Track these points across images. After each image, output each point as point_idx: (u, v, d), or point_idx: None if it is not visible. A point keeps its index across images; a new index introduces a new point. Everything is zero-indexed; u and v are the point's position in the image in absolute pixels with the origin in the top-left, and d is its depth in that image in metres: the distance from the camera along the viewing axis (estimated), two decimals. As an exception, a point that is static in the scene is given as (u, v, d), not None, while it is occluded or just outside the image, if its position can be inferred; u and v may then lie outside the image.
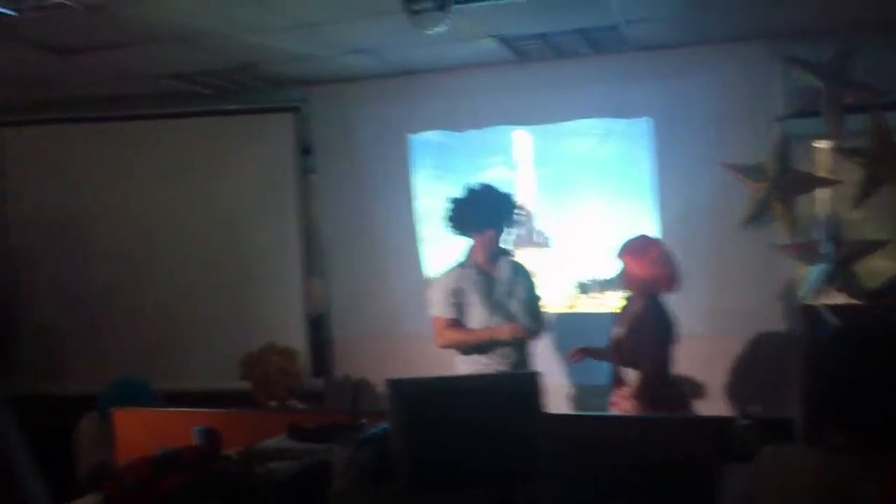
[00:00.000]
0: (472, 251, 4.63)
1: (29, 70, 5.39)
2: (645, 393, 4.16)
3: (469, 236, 4.62)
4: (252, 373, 4.27)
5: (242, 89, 6.04)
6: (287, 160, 6.01)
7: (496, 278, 4.60)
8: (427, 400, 2.50)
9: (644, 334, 4.23)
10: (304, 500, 2.26)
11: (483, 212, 4.54)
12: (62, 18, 4.32)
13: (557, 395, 5.23)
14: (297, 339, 5.77)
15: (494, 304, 4.56)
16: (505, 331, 4.48)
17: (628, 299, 4.48)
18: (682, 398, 4.40)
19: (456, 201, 4.60)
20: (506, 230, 4.63)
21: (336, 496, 2.19)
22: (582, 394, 5.47)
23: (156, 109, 6.17)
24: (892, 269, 5.34)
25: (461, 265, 4.63)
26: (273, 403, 4.24)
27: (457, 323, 4.55)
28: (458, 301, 4.53)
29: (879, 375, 1.79)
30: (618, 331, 4.41)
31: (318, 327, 6.04)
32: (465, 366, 4.55)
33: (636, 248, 4.40)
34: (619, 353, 4.36)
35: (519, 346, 4.57)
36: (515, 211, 4.63)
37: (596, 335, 5.32)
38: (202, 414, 3.04)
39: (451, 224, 4.62)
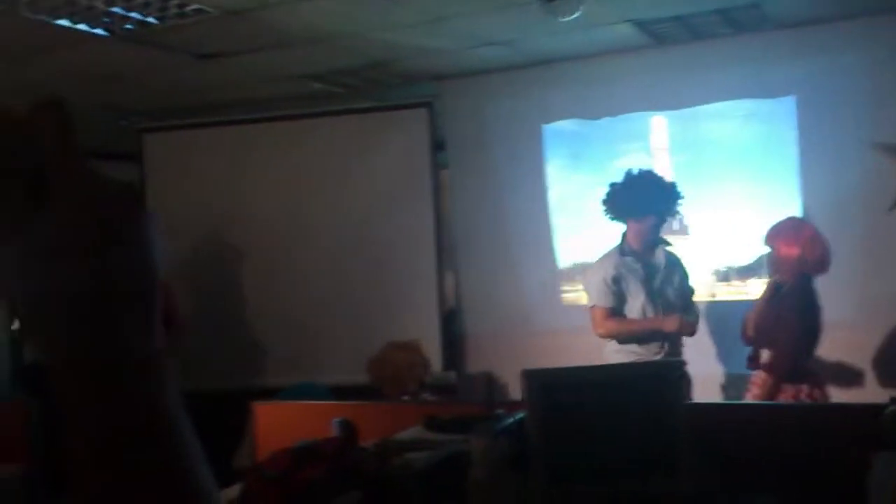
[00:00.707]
0: (627, 238, 4.54)
1: (171, 76, 5.63)
2: (776, 370, 4.07)
3: (626, 222, 4.53)
4: (380, 373, 4.33)
5: (376, 87, 6.14)
6: (421, 155, 6.05)
7: (655, 265, 4.52)
8: (564, 390, 2.49)
9: (787, 311, 4.16)
10: (443, 491, 2.28)
11: (644, 198, 4.45)
12: (202, 24, 4.49)
13: (706, 385, 5.11)
14: (431, 333, 5.83)
15: (654, 292, 4.48)
16: (670, 323, 4.39)
17: (776, 281, 4.35)
18: (817, 379, 4.23)
19: (616, 185, 4.54)
20: (666, 220, 4.56)
21: (474, 486, 2.19)
22: (733, 382, 5.32)
23: (292, 111, 6.33)
24: None
25: (618, 252, 4.53)
26: (405, 398, 4.29)
27: (615, 312, 4.47)
28: (617, 289, 4.45)
29: None
30: (759, 310, 4.32)
31: (451, 321, 6.07)
32: (618, 356, 4.48)
33: (788, 231, 4.31)
34: (757, 332, 4.28)
35: (674, 337, 4.48)
36: (678, 200, 4.53)
37: (737, 324, 5.17)
38: (338, 406, 3.11)
39: (609, 208, 4.55)
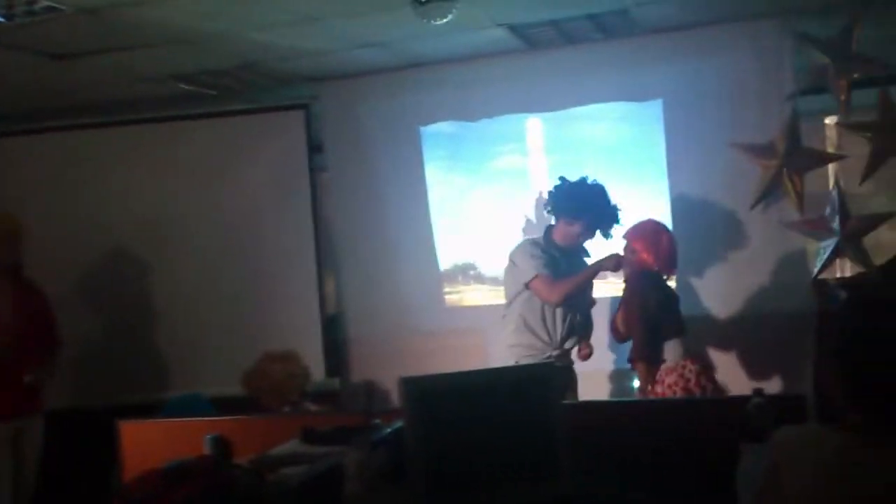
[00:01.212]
0: (552, 233, 4.71)
1: (27, 76, 5.38)
2: (639, 357, 4.30)
3: (557, 219, 4.69)
4: (258, 386, 4.25)
5: (249, 88, 6.02)
6: (298, 158, 5.97)
7: (573, 259, 4.71)
8: (441, 397, 2.47)
9: (629, 302, 4.46)
10: (319, 506, 2.26)
11: (580, 204, 4.59)
12: (54, 22, 4.31)
13: (595, 380, 5.24)
14: (312, 338, 5.78)
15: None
16: (608, 262, 4.56)
17: (626, 276, 4.61)
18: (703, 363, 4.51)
19: (563, 182, 4.67)
20: (591, 235, 4.70)
21: (349, 499, 2.17)
22: (618, 376, 5.47)
23: (161, 113, 6.15)
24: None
25: (542, 238, 4.73)
26: (286, 409, 4.22)
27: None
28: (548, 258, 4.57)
29: (891, 347, 1.73)
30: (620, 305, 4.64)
31: (332, 327, 6.00)
32: (516, 350, 4.65)
33: (636, 230, 4.61)
34: (616, 328, 4.63)
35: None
36: (611, 222, 4.68)
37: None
38: (212, 422, 3.03)
39: (552, 199, 4.69)
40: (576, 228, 4.61)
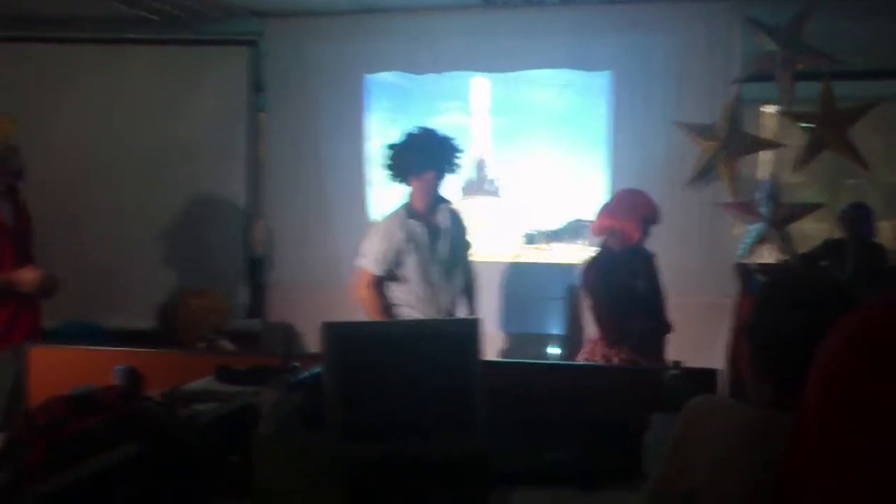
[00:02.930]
0: (411, 198, 4.42)
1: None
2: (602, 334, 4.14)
3: (408, 182, 4.41)
4: (174, 320, 4.17)
5: (194, 18, 5.86)
6: (239, 96, 5.83)
7: (438, 228, 4.44)
8: (363, 344, 2.45)
9: (591, 279, 4.21)
10: (229, 444, 2.22)
11: (422, 155, 4.35)
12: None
13: (500, 344, 5.26)
14: (237, 279, 5.70)
15: (435, 254, 4.41)
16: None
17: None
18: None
19: (395, 146, 4.42)
20: (446, 175, 4.45)
21: (261, 440, 2.15)
22: (522, 342, 5.49)
23: (102, 34, 5.94)
24: (824, 231, 5.51)
25: (402, 212, 4.42)
26: (202, 345, 4.15)
27: (385, 276, 4.37)
28: (392, 254, 4.35)
29: (805, 327, 1.77)
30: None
31: (259, 269, 5.93)
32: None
33: (609, 203, 4.35)
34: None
35: (449, 304, 4.46)
36: (456, 154, 4.43)
37: (539, 285, 5.34)
38: (125, 353, 2.94)
39: (390, 169, 4.43)
40: (429, 177, 4.37)
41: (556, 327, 5.52)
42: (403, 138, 4.41)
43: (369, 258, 4.37)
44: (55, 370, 2.94)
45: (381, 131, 5.83)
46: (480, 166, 5.68)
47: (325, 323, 2.43)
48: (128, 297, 5.53)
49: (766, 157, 5.26)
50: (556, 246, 5.63)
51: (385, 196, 5.79)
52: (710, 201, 5.16)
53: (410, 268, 4.35)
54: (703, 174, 5.07)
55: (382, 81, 5.86)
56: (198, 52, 5.91)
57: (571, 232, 5.64)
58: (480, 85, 5.77)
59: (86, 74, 5.83)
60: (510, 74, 5.65)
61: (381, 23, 5.67)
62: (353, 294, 4.43)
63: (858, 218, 5.42)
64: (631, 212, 4.15)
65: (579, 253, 5.63)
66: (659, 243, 5.27)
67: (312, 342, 3.97)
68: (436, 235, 4.41)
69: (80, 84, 5.83)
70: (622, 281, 4.19)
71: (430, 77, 5.73)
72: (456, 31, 5.58)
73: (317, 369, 2.51)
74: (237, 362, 2.79)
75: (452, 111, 5.79)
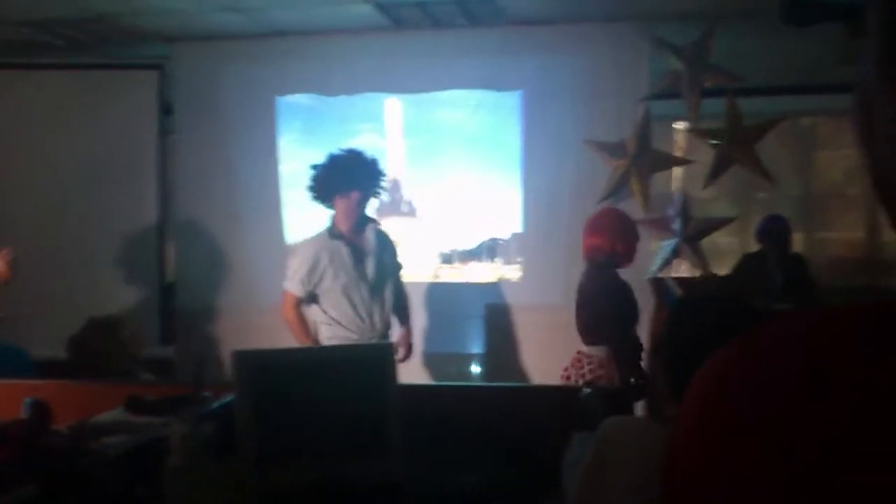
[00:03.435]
0: (335, 219, 4.41)
1: None
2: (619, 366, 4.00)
3: (332, 204, 4.40)
4: (85, 351, 4.03)
5: (101, 43, 5.75)
6: (148, 119, 5.75)
7: (363, 248, 4.43)
8: (275, 372, 2.43)
9: (600, 307, 4.08)
10: (138, 478, 2.16)
11: (347, 175, 4.34)
12: None
13: (419, 363, 5.24)
14: (149, 305, 5.59)
15: (361, 275, 4.40)
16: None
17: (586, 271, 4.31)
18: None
19: (318, 167, 4.40)
20: (371, 195, 4.46)
21: (171, 473, 2.10)
22: (438, 361, 5.49)
23: (8, 59, 5.80)
24: (736, 244, 5.63)
25: (325, 234, 4.41)
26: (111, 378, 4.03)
27: (307, 300, 4.38)
28: (316, 276, 4.34)
29: (707, 344, 1.79)
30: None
31: (170, 294, 5.83)
32: (331, 342, 4.38)
33: (596, 220, 4.33)
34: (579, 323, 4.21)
35: (382, 324, 4.46)
36: (381, 176, 4.45)
37: (458, 305, 5.36)
38: (33, 385, 2.87)
39: (314, 191, 4.42)
40: (353, 199, 4.34)
41: (475, 346, 5.54)
42: (328, 158, 4.40)
43: (294, 280, 4.37)
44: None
45: (294, 153, 5.79)
46: (395, 187, 5.68)
47: (237, 351, 2.40)
48: (38, 324, 5.38)
49: (677, 172, 5.37)
50: (472, 265, 5.66)
51: (301, 219, 5.77)
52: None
53: (336, 289, 4.35)
54: (616, 191, 5.15)
55: (294, 103, 5.83)
56: (105, 77, 5.82)
57: (487, 251, 5.68)
58: (393, 106, 5.78)
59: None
60: (423, 95, 5.68)
61: (292, 45, 5.65)
62: (283, 317, 4.42)
63: (779, 231, 5.56)
64: (633, 235, 4.23)
65: (495, 271, 5.68)
66: (573, 258, 5.35)
67: (229, 369, 3.91)
68: (360, 256, 4.41)
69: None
70: (631, 297, 4.20)
71: (343, 99, 5.72)
72: (366, 53, 5.58)
73: (228, 398, 2.47)
74: (148, 392, 2.73)
75: (366, 132, 5.79)
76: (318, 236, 4.43)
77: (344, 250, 4.37)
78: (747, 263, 5.65)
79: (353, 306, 4.38)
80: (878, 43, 0.69)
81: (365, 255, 4.43)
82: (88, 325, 4.07)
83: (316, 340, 4.36)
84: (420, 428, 2.50)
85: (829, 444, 0.61)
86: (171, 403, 2.51)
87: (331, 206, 4.42)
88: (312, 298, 4.39)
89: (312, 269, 4.34)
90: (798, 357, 0.68)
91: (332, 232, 4.40)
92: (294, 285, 4.37)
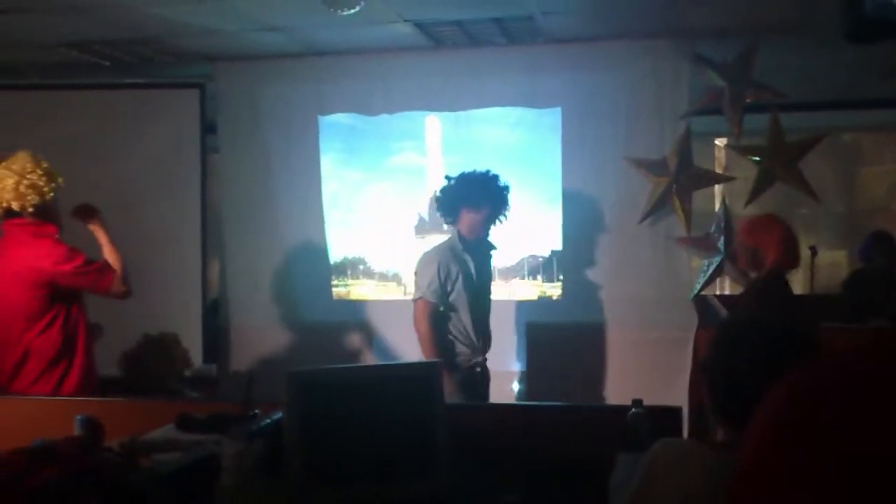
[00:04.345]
0: (461, 231, 4.49)
1: None
2: None
3: (457, 217, 4.49)
4: (135, 369, 4.09)
5: (145, 63, 5.83)
6: (191, 138, 5.78)
7: (483, 262, 4.56)
8: (326, 391, 2.45)
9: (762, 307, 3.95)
10: (190, 496, 2.18)
11: (480, 191, 4.46)
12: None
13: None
14: (193, 323, 5.62)
15: (481, 291, 4.51)
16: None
17: (752, 281, 4.24)
18: None
19: (452, 179, 4.54)
20: (497, 218, 4.56)
21: (223, 491, 2.11)
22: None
23: (52, 80, 5.89)
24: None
25: (454, 244, 4.47)
26: (162, 394, 4.08)
27: (441, 308, 4.39)
28: (449, 285, 4.39)
29: (756, 369, 1.77)
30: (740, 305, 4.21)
31: (214, 312, 5.87)
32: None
33: (760, 226, 4.21)
34: None
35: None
36: (508, 203, 4.57)
37: (500, 322, 5.36)
38: (85, 403, 2.91)
39: (443, 200, 4.53)
40: (481, 215, 4.46)
41: (516, 364, 5.52)
42: (464, 173, 4.54)
43: (429, 289, 4.37)
44: (16, 421, 2.88)
45: (334, 172, 5.83)
46: (434, 205, 5.70)
47: (289, 373, 2.41)
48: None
49: (719, 189, 5.34)
50: (514, 282, 5.65)
51: (342, 237, 5.81)
52: (665, 236, 5.21)
53: (462, 299, 4.41)
54: (657, 209, 5.12)
55: (335, 123, 5.87)
56: (147, 96, 5.87)
57: (528, 268, 5.67)
58: (432, 124, 5.80)
59: (31, 122, 5.74)
60: (462, 113, 5.69)
61: (332, 65, 5.69)
62: (416, 328, 4.39)
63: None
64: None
65: (536, 289, 5.66)
66: (615, 276, 5.34)
67: (270, 386, 3.94)
68: (480, 269, 4.51)
69: (25, 132, 5.73)
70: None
71: (383, 118, 5.75)
72: (406, 72, 5.62)
73: (277, 416, 2.49)
74: (197, 410, 2.75)
75: (406, 151, 5.82)
76: (447, 246, 4.50)
77: (471, 264, 4.46)
78: (853, 281, 5.62)
79: (473, 319, 4.45)
80: None
81: (483, 269, 4.55)
82: (143, 343, 4.14)
83: (442, 355, 4.29)
84: (465, 447, 2.50)
85: None
86: (221, 421, 2.53)
87: (454, 220, 4.51)
88: (448, 307, 4.40)
89: (447, 278, 4.38)
90: (868, 384, 0.68)
91: (462, 242, 4.48)
92: (429, 293, 4.37)
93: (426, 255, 4.56)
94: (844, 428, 0.67)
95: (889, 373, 0.70)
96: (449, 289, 4.39)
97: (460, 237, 4.49)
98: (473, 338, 4.45)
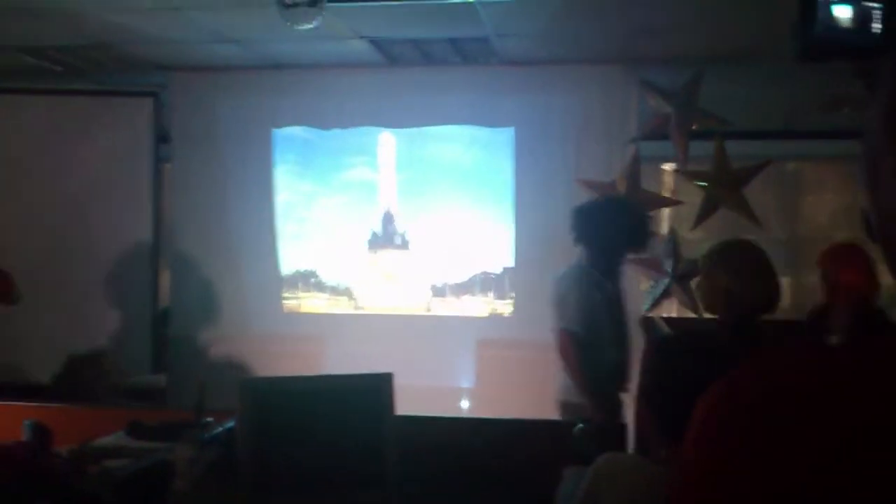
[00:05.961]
0: (596, 260, 4.21)
1: None
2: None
3: (594, 242, 4.22)
4: (69, 388, 4.04)
5: (98, 70, 5.78)
6: (143, 147, 5.76)
7: (618, 289, 4.31)
8: (278, 400, 2.46)
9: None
10: (143, 501, 2.18)
11: (617, 223, 4.22)
12: None
13: (411, 396, 5.24)
14: (141, 332, 5.58)
15: (622, 320, 4.31)
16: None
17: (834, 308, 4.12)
18: None
19: (592, 205, 4.38)
20: (635, 248, 4.39)
21: (176, 497, 2.12)
22: (433, 395, 5.50)
23: (3, 84, 5.82)
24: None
25: (592, 272, 4.18)
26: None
27: (583, 340, 4.08)
28: (592, 314, 4.10)
29: (688, 382, 1.83)
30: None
31: (164, 322, 5.82)
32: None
33: (846, 255, 4.18)
34: None
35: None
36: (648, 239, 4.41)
37: (449, 338, 5.38)
38: (33, 408, 2.88)
39: (580, 226, 4.28)
40: (622, 250, 4.30)
41: (465, 380, 5.56)
42: (610, 201, 4.41)
43: (572, 318, 4.10)
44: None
45: (288, 184, 5.84)
46: (388, 220, 5.73)
47: (241, 380, 2.43)
48: (32, 349, 5.38)
49: (666, 213, 5.44)
50: (465, 298, 5.69)
51: (294, 250, 5.80)
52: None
53: (599, 332, 4.14)
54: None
55: (290, 135, 5.88)
56: (100, 103, 5.83)
57: (480, 285, 5.72)
58: (386, 140, 5.84)
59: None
60: (416, 130, 5.74)
61: (287, 78, 5.71)
62: (561, 357, 4.14)
63: None
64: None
65: (487, 305, 5.70)
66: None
67: (220, 397, 3.93)
68: (617, 301, 4.29)
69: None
70: None
71: (337, 132, 5.78)
72: (361, 88, 5.64)
73: (229, 423, 2.50)
74: (148, 417, 2.75)
75: (359, 166, 5.84)
76: (587, 273, 4.21)
77: (611, 290, 4.21)
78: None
79: (618, 348, 4.22)
80: (889, 94, 0.75)
81: (621, 303, 4.31)
82: (68, 364, 4.10)
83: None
84: (415, 459, 2.52)
85: (836, 455, 0.66)
86: (173, 428, 2.53)
87: (589, 245, 4.25)
88: (582, 340, 4.08)
89: (589, 307, 4.10)
90: (796, 381, 0.74)
91: (600, 270, 4.20)
92: (573, 324, 4.09)
93: (564, 283, 4.23)
94: (775, 421, 0.72)
95: (825, 361, 0.76)
96: (591, 318, 4.11)
97: (597, 265, 4.21)
98: (614, 370, 4.17)
